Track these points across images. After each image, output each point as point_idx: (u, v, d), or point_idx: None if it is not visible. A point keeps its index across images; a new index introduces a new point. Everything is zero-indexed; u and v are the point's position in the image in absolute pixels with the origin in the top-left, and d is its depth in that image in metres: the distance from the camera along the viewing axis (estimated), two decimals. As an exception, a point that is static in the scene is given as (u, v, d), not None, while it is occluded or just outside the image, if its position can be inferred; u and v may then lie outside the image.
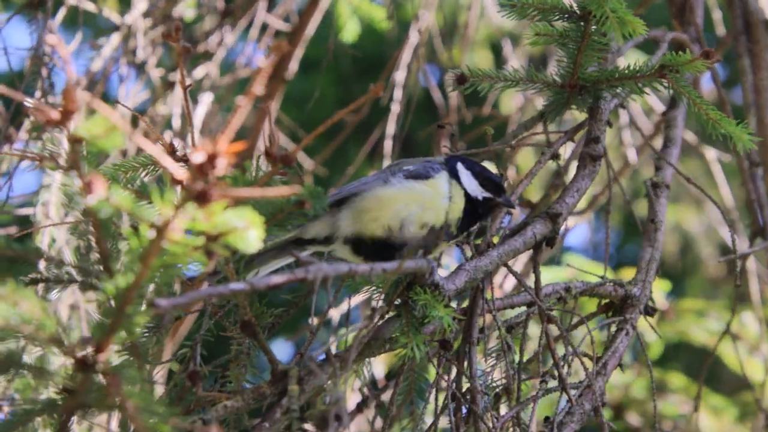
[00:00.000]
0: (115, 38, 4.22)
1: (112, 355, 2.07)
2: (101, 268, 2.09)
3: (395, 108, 4.47)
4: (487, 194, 2.88)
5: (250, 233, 1.92)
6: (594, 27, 2.81)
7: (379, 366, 4.30)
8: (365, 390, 3.19)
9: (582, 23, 2.82)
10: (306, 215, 2.40)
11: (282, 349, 6.00)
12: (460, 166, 2.90)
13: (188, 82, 4.29)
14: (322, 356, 2.61)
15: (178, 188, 1.87)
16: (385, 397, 3.17)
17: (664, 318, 4.86)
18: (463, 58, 4.92)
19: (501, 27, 5.22)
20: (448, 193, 2.79)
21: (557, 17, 2.86)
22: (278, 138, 4.69)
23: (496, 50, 5.30)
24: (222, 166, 1.82)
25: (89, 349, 2.01)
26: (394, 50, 4.69)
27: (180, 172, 1.84)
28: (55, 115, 1.94)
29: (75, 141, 1.98)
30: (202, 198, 1.84)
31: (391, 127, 4.47)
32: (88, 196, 1.88)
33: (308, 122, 5.11)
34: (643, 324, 3.08)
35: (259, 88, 1.85)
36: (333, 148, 4.87)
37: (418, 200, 2.75)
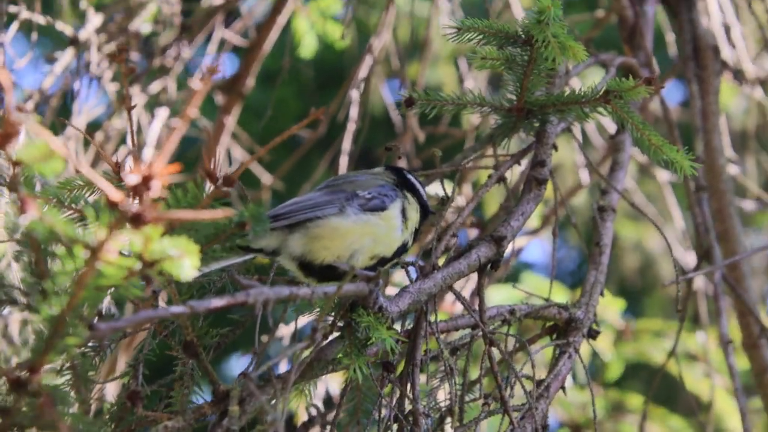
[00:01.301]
0: (70, 53, 4.21)
1: (50, 375, 2.07)
2: (39, 289, 2.09)
3: (351, 126, 4.47)
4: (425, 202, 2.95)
5: (184, 262, 1.93)
6: (539, 51, 2.83)
7: (333, 385, 4.30)
8: (311, 410, 3.19)
9: (527, 47, 2.85)
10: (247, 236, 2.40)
11: (238, 366, 6.01)
12: (410, 176, 2.96)
13: (143, 96, 4.36)
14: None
15: (114, 210, 1.87)
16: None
17: (621, 338, 4.89)
18: (424, 74, 4.92)
19: (463, 44, 5.24)
20: (402, 223, 2.81)
21: (503, 41, 2.88)
22: (235, 152, 4.70)
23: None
24: (156, 188, 1.83)
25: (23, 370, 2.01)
26: (355, 62, 4.70)
27: (115, 193, 1.85)
28: (-7, 137, 1.95)
29: (15, 164, 1.99)
30: (136, 220, 1.85)
31: (347, 144, 4.47)
32: (21, 217, 1.89)
33: (269, 134, 5.10)
34: (601, 343, 3.10)
35: (193, 110, 1.86)
36: (292, 164, 4.89)
37: (372, 234, 2.76)
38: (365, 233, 2.75)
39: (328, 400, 4.16)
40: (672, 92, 6.33)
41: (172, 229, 2.19)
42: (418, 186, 2.94)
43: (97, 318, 2.21)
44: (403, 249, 2.83)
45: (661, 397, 4.89)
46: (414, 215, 2.86)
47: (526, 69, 2.88)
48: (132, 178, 1.86)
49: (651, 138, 2.86)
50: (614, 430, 4.80)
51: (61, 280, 1.96)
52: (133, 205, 1.88)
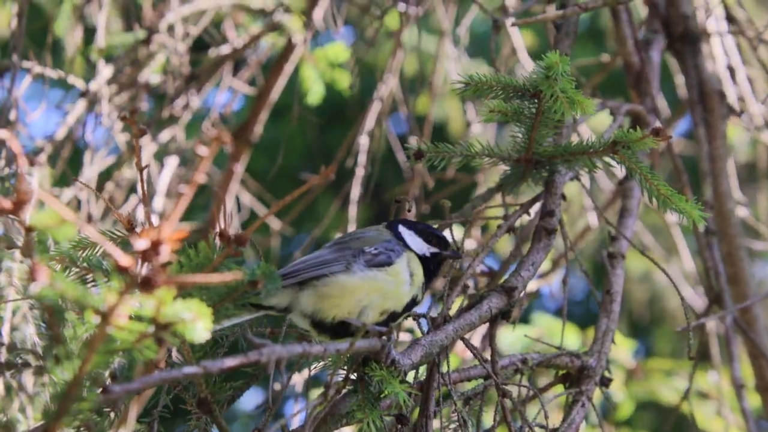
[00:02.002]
0: (81, 104, 4.24)
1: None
2: (52, 353, 2.10)
3: (360, 172, 4.49)
4: (434, 249, 2.93)
5: (197, 324, 1.94)
6: (547, 105, 2.84)
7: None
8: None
9: (535, 101, 2.86)
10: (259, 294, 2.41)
11: (249, 401, 6.01)
12: (402, 229, 2.95)
13: (153, 146, 4.38)
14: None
15: (123, 274, 1.89)
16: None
17: (633, 377, 4.88)
18: (432, 109, 4.93)
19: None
20: (410, 277, 2.82)
21: (511, 95, 2.89)
22: (243, 197, 4.71)
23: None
24: (165, 252, 1.85)
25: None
26: (359, 98, 4.72)
27: (124, 258, 1.86)
28: (7, 204, 1.97)
29: (27, 230, 2.01)
30: (146, 284, 1.87)
31: (355, 191, 4.49)
32: (32, 284, 1.90)
33: (276, 171, 5.13)
34: (612, 384, 3.10)
35: (201, 176, 1.88)
36: (300, 210, 4.90)
37: (380, 290, 2.77)
38: (373, 289, 2.76)
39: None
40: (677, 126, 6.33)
41: (184, 289, 2.21)
42: (408, 238, 2.94)
43: (110, 379, 2.22)
44: (412, 303, 2.84)
45: (672, 436, 4.88)
46: (417, 269, 2.87)
47: (534, 121, 2.89)
48: (141, 244, 1.88)
49: (660, 188, 2.87)
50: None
51: (73, 344, 1.98)
52: (143, 270, 1.90)
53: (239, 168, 4.84)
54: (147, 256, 1.89)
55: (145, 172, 3.89)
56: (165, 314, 1.97)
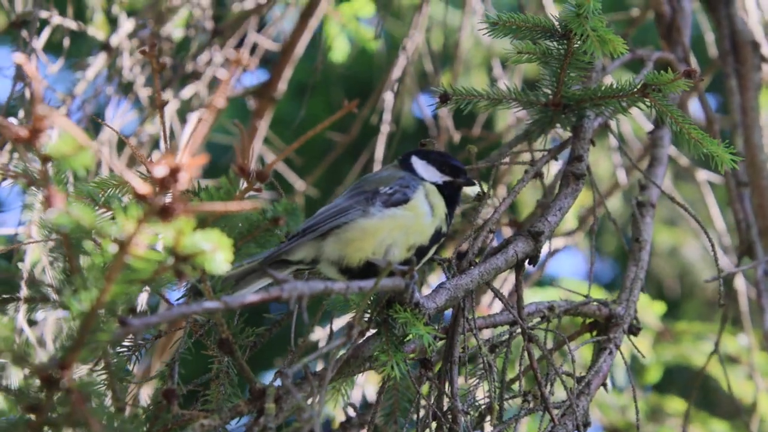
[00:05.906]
0: (102, 58, 4.19)
1: (80, 372, 2.05)
2: (70, 284, 2.07)
3: (384, 129, 4.43)
4: (447, 178, 2.90)
5: (217, 255, 1.90)
6: (576, 45, 2.79)
7: (370, 389, 4.26)
8: (349, 410, 3.16)
9: (564, 41, 2.80)
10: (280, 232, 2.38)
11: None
12: (415, 159, 2.93)
13: (176, 102, 4.33)
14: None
15: (142, 203, 1.85)
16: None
17: (661, 340, 4.82)
18: (456, 80, 4.87)
19: (493, 49, 5.18)
20: (430, 209, 2.77)
21: (540, 35, 2.83)
22: (268, 158, 4.67)
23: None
24: (184, 179, 1.80)
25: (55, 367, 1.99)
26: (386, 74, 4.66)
27: (142, 185, 1.82)
28: (23, 133, 1.92)
29: (44, 159, 1.97)
30: (165, 212, 1.82)
31: (380, 150, 4.43)
32: (47, 210, 1.87)
33: (302, 146, 5.09)
34: (640, 345, 3.05)
35: (220, 101, 1.83)
36: (324, 169, 4.86)
37: (402, 227, 2.75)
38: (394, 227, 2.74)
39: (365, 406, 4.13)
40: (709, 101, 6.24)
41: (205, 226, 2.16)
42: (420, 168, 2.91)
43: (130, 315, 2.18)
44: (438, 236, 2.80)
45: (702, 401, 4.81)
46: (438, 200, 2.83)
47: (563, 63, 2.84)
48: (160, 170, 1.84)
49: (690, 131, 2.82)
50: (655, 434, 4.73)
51: (90, 275, 1.94)
52: (162, 198, 1.85)
53: (263, 125, 4.79)
54: (166, 183, 1.85)
55: (167, 122, 3.89)
56: (184, 245, 1.92)
